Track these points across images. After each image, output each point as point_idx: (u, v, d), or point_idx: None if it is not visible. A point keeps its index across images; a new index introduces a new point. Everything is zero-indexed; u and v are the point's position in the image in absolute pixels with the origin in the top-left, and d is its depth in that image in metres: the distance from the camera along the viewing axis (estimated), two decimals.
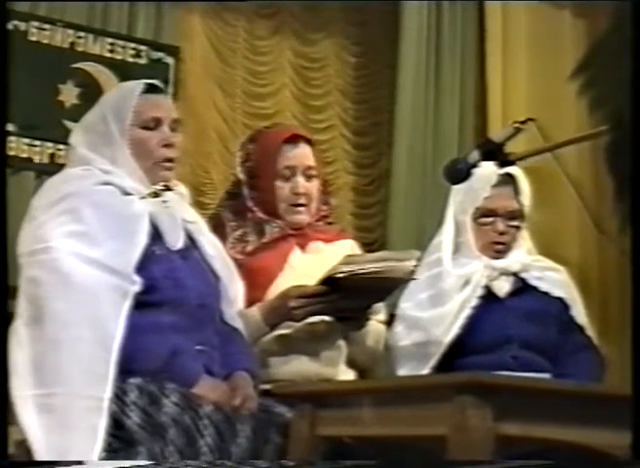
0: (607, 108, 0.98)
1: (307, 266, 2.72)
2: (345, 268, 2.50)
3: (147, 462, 2.07)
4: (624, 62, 0.97)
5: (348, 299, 2.58)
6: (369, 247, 4.98)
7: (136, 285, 2.24)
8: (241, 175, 2.82)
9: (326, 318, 2.65)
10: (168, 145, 2.46)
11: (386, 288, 2.63)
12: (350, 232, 5.23)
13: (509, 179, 2.86)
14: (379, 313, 2.77)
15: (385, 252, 2.75)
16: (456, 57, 6.22)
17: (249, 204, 2.79)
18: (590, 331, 2.88)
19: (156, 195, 2.43)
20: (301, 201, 2.78)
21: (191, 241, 2.46)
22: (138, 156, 2.43)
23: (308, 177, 2.80)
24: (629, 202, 1.02)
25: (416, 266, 2.60)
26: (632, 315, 1.13)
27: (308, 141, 2.85)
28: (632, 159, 1.00)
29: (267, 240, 2.76)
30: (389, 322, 2.82)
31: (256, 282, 2.64)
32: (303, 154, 2.81)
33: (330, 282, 2.54)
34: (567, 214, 5.51)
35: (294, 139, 2.81)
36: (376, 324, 2.77)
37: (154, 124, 2.45)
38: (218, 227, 2.72)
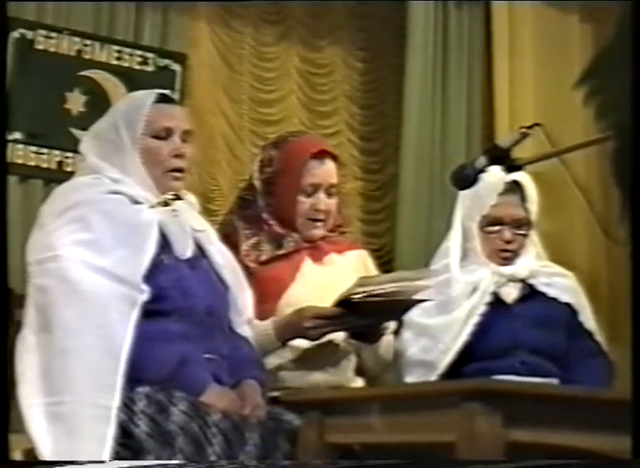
0: (613, 117, 0.98)
1: (319, 277, 2.71)
2: (361, 290, 2.47)
3: (176, 462, 2.07)
4: (630, 69, 0.97)
5: (364, 319, 2.56)
6: (377, 253, 4.98)
7: (144, 294, 2.24)
8: (257, 182, 2.77)
9: (340, 334, 2.64)
10: (179, 155, 2.45)
11: (401, 308, 2.62)
12: (358, 238, 5.22)
13: (516, 187, 2.84)
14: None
15: (399, 272, 2.74)
16: (462, 62, 6.21)
17: (264, 216, 2.74)
18: (599, 337, 2.87)
19: (166, 204, 2.43)
20: (321, 217, 2.75)
21: (200, 250, 2.46)
22: (148, 165, 2.43)
23: (330, 195, 2.76)
24: (630, 207, 1.01)
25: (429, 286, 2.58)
26: (632, 320, 1.13)
27: (333, 157, 2.79)
28: (633, 165, 0.99)
29: (282, 252, 2.73)
30: (397, 329, 2.81)
31: (268, 291, 2.63)
32: (329, 171, 2.76)
33: (345, 303, 2.51)
34: (575, 220, 5.49)
35: (321, 155, 2.76)
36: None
37: (165, 133, 2.45)
38: (230, 234, 2.69)
